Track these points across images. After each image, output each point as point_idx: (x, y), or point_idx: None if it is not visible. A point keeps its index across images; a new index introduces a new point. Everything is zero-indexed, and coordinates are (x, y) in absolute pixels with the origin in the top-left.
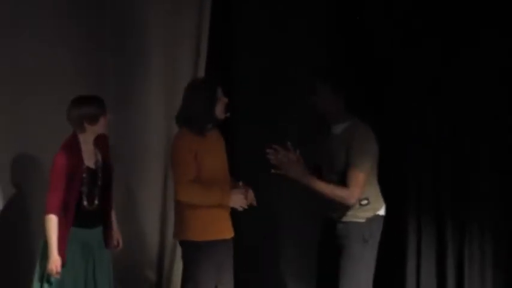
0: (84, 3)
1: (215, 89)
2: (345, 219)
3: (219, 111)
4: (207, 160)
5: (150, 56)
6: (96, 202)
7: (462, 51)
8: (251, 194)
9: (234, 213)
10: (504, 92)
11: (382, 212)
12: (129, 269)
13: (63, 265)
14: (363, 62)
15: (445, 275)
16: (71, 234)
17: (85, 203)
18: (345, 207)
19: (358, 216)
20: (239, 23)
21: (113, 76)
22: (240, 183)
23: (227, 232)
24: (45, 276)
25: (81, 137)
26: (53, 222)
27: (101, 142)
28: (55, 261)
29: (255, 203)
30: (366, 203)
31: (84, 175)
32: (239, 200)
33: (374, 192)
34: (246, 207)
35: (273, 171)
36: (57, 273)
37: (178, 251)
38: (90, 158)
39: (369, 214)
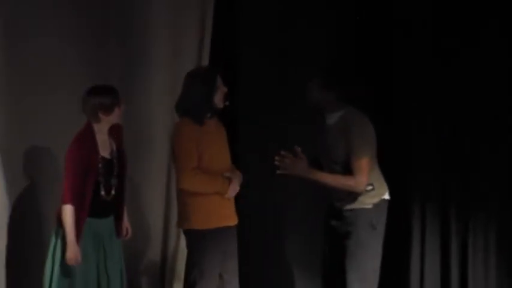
0: None
1: (214, 77)
2: (352, 206)
3: (218, 100)
4: (208, 148)
5: (153, 49)
6: (113, 192)
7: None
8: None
9: (238, 206)
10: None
11: (387, 196)
12: (133, 258)
13: None
14: (366, 57)
15: (449, 263)
16: (85, 225)
17: (102, 193)
18: (350, 195)
19: (365, 202)
20: (242, 14)
21: (117, 67)
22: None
23: (231, 219)
24: (56, 267)
25: (96, 127)
26: (70, 212)
27: (115, 132)
28: (74, 251)
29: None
30: (371, 188)
31: (100, 165)
32: (234, 191)
33: (377, 177)
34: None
35: (278, 172)
36: (76, 262)
37: (182, 240)
38: (105, 148)
39: (376, 200)
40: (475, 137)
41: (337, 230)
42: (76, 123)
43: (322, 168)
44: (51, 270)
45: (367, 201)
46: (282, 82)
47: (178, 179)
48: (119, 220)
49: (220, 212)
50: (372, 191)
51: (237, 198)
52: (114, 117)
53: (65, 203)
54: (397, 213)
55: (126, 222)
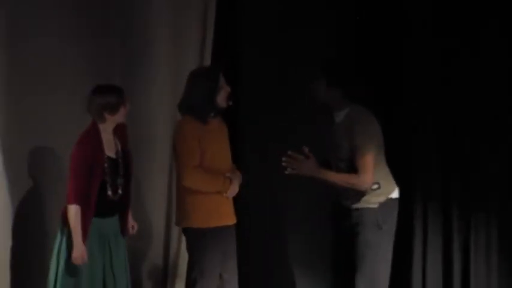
0: None
1: (217, 77)
2: (358, 205)
3: (221, 100)
4: (210, 147)
5: (154, 49)
6: (119, 192)
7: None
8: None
9: (238, 206)
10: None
11: (395, 194)
12: (135, 257)
13: None
14: (366, 57)
15: (451, 262)
16: (91, 225)
17: (109, 192)
18: (357, 194)
19: (370, 201)
20: (244, 14)
21: (117, 67)
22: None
23: (230, 218)
24: (61, 267)
25: (101, 127)
26: (75, 212)
27: (120, 131)
28: (81, 250)
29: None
30: (376, 187)
31: (105, 165)
32: (234, 192)
33: (384, 176)
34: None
35: (286, 172)
36: (83, 261)
37: (184, 238)
38: (110, 147)
39: (382, 199)
40: (475, 137)
41: (345, 230)
42: (77, 123)
43: (331, 167)
44: (56, 270)
45: (372, 200)
46: (283, 82)
47: (180, 177)
48: (124, 219)
49: (220, 211)
50: (378, 190)
51: (237, 198)
52: (119, 117)
53: (71, 203)
54: (398, 213)
55: (131, 221)
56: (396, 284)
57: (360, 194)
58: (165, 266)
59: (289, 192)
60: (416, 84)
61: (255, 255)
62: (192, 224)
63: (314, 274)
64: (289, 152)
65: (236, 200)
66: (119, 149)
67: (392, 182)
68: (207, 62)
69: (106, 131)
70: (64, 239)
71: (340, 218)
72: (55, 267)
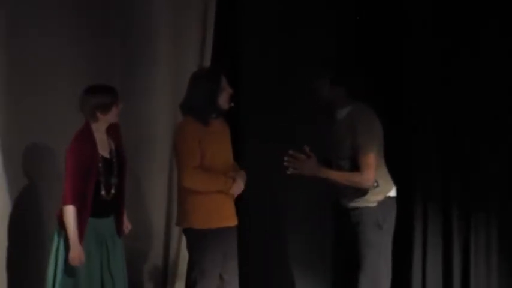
0: None
1: (218, 79)
2: (357, 205)
3: (223, 101)
4: (211, 148)
5: (154, 49)
6: (113, 191)
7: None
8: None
9: (238, 206)
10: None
11: (393, 193)
12: (135, 257)
13: None
14: (366, 57)
15: (451, 261)
16: (87, 225)
17: (103, 192)
18: (356, 193)
19: (369, 200)
20: (244, 13)
21: (117, 67)
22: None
23: (231, 220)
24: (59, 265)
25: (94, 127)
26: (72, 212)
27: (112, 131)
28: (78, 251)
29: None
30: (375, 185)
31: (99, 164)
32: (239, 189)
33: (383, 175)
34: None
35: (288, 172)
36: (80, 262)
37: (184, 239)
38: (104, 147)
39: (380, 197)
40: (475, 137)
41: (345, 229)
42: (77, 123)
43: (331, 166)
44: (54, 271)
45: (371, 199)
46: (283, 82)
47: (180, 177)
48: (119, 219)
49: (221, 212)
50: (377, 188)
51: (237, 198)
52: (111, 116)
53: (67, 203)
54: (398, 213)
55: (126, 221)
56: (396, 284)
57: (358, 193)
58: (165, 266)
59: (289, 193)
60: (416, 84)
61: (255, 256)
62: (193, 225)
63: (314, 274)
64: (290, 152)
65: (236, 200)
66: (113, 148)
67: (391, 181)
68: (207, 62)
69: (99, 130)
70: (61, 240)
71: (339, 217)
72: (53, 268)
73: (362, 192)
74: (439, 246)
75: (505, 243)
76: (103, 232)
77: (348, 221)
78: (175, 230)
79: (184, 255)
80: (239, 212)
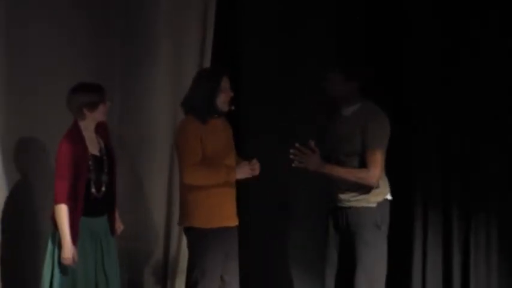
0: None
1: (218, 80)
2: (356, 204)
3: (221, 102)
4: (213, 146)
5: (154, 49)
6: (103, 189)
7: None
8: (256, 164)
9: (240, 205)
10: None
11: (389, 196)
12: (135, 256)
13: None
14: (366, 57)
15: (451, 261)
16: (80, 223)
17: (93, 190)
18: (356, 192)
19: (369, 201)
20: (244, 13)
21: (118, 67)
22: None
23: (232, 219)
24: (56, 266)
25: (82, 125)
26: (64, 211)
27: (101, 130)
28: (71, 250)
29: (257, 171)
30: (376, 186)
31: (90, 162)
32: (245, 170)
33: (383, 176)
34: (251, 175)
35: (293, 165)
36: (74, 262)
37: (185, 238)
38: (93, 145)
39: (380, 198)
40: (475, 137)
41: (341, 230)
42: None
43: (330, 161)
44: (51, 272)
45: (371, 200)
46: (283, 82)
47: (181, 174)
48: (111, 218)
49: (222, 211)
50: (377, 189)
51: (237, 197)
52: (99, 114)
53: (58, 203)
54: (398, 213)
55: (118, 221)
56: (396, 284)
57: (359, 193)
58: (165, 266)
59: (289, 191)
60: (416, 84)
61: (256, 256)
62: (194, 224)
63: (314, 275)
64: (296, 145)
65: (237, 199)
66: (102, 146)
67: (388, 184)
68: (207, 62)
69: (88, 129)
70: (56, 241)
71: (334, 217)
72: (50, 269)
73: (363, 191)
74: (439, 246)
75: (505, 243)
76: (97, 231)
77: (344, 221)
78: (175, 230)
79: (185, 255)
80: (239, 211)
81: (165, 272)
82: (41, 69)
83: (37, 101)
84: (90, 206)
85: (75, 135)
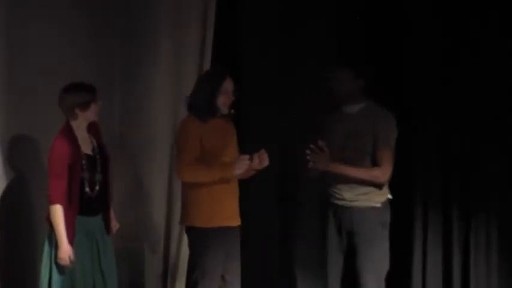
0: None
1: (220, 81)
2: (360, 204)
3: (221, 104)
4: (213, 145)
5: (154, 49)
6: (97, 188)
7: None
8: (263, 154)
9: (240, 203)
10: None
11: (390, 195)
12: (135, 256)
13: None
14: (366, 57)
15: (451, 261)
16: (76, 223)
17: (87, 189)
18: (360, 192)
19: (374, 200)
20: (244, 13)
21: (118, 67)
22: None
23: (234, 220)
24: (54, 267)
25: (74, 124)
26: (59, 211)
27: (93, 129)
28: (67, 251)
29: (266, 162)
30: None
31: (83, 161)
32: (243, 164)
33: None
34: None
35: (309, 166)
36: (71, 262)
37: (185, 238)
38: (86, 144)
39: (383, 198)
40: (475, 137)
41: (345, 230)
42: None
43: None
44: (49, 272)
45: (376, 200)
46: (283, 82)
47: (177, 172)
48: (107, 217)
49: (223, 211)
50: (381, 189)
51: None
52: (90, 114)
53: (53, 203)
54: (398, 213)
55: (114, 220)
56: (396, 284)
57: (363, 193)
58: (165, 266)
59: (290, 191)
60: (416, 84)
61: (257, 256)
62: (195, 223)
63: (315, 275)
64: (311, 146)
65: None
66: (95, 145)
67: (387, 183)
68: (207, 62)
69: (79, 128)
70: (53, 241)
71: (336, 218)
72: (48, 269)
73: (367, 192)
74: (439, 246)
75: (505, 243)
76: (93, 230)
77: (348, 221)
78: (176, 230)
79: (185, 255)
80: (239, 211)
81: (165, 272)
82: (41, 69)
83: (37, 101)
84: (85, 206)
85: (67, 135)
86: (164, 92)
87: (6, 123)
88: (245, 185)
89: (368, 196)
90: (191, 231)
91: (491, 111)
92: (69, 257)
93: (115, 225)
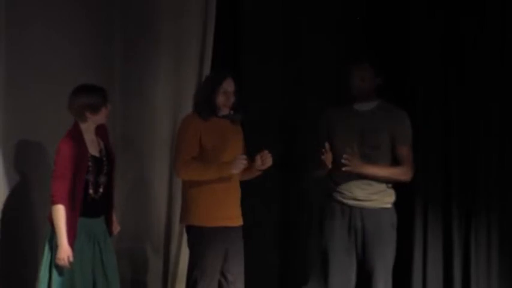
0: None
1: (218, 81)
2: (372, 205)
3: (221, 103)
4: (214, 144)
5: (155, 47)
6: (101, 190)
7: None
8: (266, 154)
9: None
10: None
11: (395, 196)
12: (135, 257)
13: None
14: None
15: (451, 261)
16: (78, 224)
17: (91, 191)
18: (371, 192)
19: (385, 201)
20: (245, 13)
21: (118, 67)
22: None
23: (234, 219)
24: (53, 267)
25: (82, 127)
26: (61, 211)
27: (101, 131)
28: (66, 251)
29: (270, 163)
30: (390, 185)
31: (89, 163)
32: (240, 164)
33: None
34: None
35: (344, 169)
36: (69, 263)
37: (185, 238)
38: (93, 146)
39: (392, 199)
40: (475, 137)
41: (355, 231)
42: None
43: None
44: (48, 274)
45: (386, 200)
46: (284, 82)
47: (174, 170)
48: (109, 219)
49: (223, 210)
50: (390, 189)
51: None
52: (100, 117)
53: (56, 203)
54: (398, 213)
55: (115, 222)
56: (396, 284)
57: (374, 192)
58: (165, 266)
59: (291, 191)
60: (417, 84)
61: (258, 257)
62: (193, 222)
63: (316, 274)
64: (349, 151)
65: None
66: (102, 147)
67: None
68: (208, 62)
69: (88, 130)
70: (54, 241)
71: (343, 218)
72: (47, 269)
73: (378, 192)
74: (439, 246)
75: (505, 243)
76: (94, 232)
77: (359, 222)
78: (176, 230)
79: (185, 255)
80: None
81: (165, 273)
82: (41, 69)
83: (37, 101)
84: (88, 207)
85: (75, 137)
86: (164, 92)
87: (7, 123)
88: (246, 184)
89: (378, 196)
90: (190, 230)
91: (492, 111)
92: (68, 258)
93: (116, 227)
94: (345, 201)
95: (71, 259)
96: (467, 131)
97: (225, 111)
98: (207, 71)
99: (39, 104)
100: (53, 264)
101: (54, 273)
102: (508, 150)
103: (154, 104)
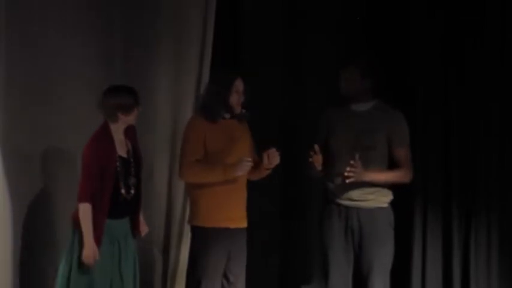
0: None
1: (231, 80)
2: (368, 204)
3: (234, 102)
4: (215, 146)
5: (155, 47)
6: (132, 191)
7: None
8: (273, 152)
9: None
10: None
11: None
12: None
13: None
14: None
15: (451, 261)
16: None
17: (123, 191)
18: (367, 192)
19: (382, 201)
20: (245, 12)
21: (118, 67)
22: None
23: (239, 221)
24: (74, 265)
25: (112, 127)
26: (87, 210)
27: (130, 132)
28: (93, 250)
29: (277, 161)
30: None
31: (117, 164)
32: (245, 166)
33: None
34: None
35: (348, 181)
36: (93, 260)
37: (185, 238)
38: (121, 147)
39: (389, 199)
40: (475, 137)
41: (352, 231)
42: (79, 123)
43: (334, 159)
44: (69, 270)
45: (383, 200)
46: (284, 82)
47: (178, 172)
48: (135, 220)
49: (226, 212)
50: (385, 189)
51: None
52: (132, 118)
53: (82, 201)
54: (399, 213)
55: (143, 223)
56: (396, 284)
57: (370, 192)
58: (165, 266)
59: (291, 192)
60: (417, 85)
61: (259, 257)
62: (197, 223)
63: (317, 274)
64: (351, 162)
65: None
66: (130, 148)
67: None
68: (207, 61)
69: (117, 131)
70: (76, 239)
71: (340, 219)
72: (68, 267)
73: (375, 192)
74: (438, 246)
75: (505, 243)
76: (117, 234)
77: (355, 222)
78: (176, 230)
79: (185, 255)
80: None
81: (165, 272)
82: (41, 69)
83: (37, 101)
84: (117, 208)
85: (104, 137)
86: (164, 92)
87: (7, 123)
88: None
89: (375, 196)
90: (193, 230)
91: (492, 111)
92: (94, 256)
93: (144, 229)
94: (341, 201)
95: (97, 257)
96: (467, 131)
97: (237, 110)
98: (207, 70)
99: (39, 104)
100: (74, 262)
101: (74, 271)
102: (508, 150)
103: (154, 104)
